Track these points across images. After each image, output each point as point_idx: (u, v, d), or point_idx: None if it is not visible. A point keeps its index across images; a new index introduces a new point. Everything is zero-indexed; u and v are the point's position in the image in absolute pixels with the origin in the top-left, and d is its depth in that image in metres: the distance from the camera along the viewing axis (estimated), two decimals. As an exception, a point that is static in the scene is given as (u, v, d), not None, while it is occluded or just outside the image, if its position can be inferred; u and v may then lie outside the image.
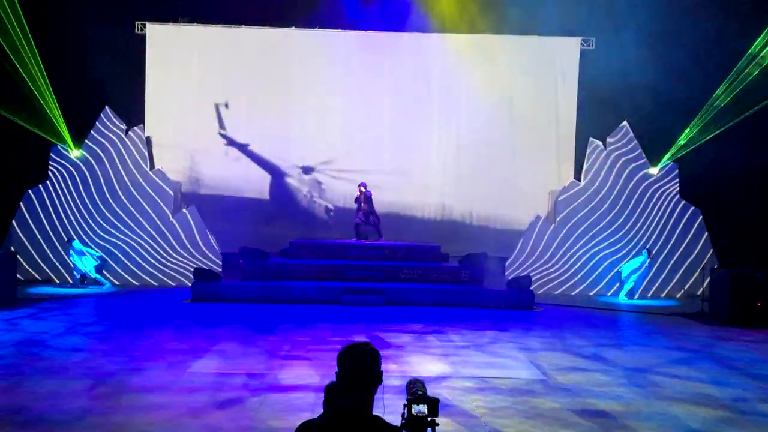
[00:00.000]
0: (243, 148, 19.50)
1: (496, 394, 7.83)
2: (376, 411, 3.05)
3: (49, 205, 17.35)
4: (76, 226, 17.11)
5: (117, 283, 16.85)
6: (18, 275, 14.78)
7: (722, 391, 8.27)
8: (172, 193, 17.90)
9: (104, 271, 16.70)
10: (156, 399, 7.34)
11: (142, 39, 19.29)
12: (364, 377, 3.00)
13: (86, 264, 16.25)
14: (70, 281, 16.34)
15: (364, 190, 17.34)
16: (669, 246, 17.59)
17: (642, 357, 10.11)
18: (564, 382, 8.48)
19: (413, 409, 3.00)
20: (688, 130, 17.09)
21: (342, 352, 3.06)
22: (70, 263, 16.34)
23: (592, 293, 17.15)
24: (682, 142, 17.28)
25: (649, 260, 16.43)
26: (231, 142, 19.43)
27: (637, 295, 16.41)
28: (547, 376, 8.75)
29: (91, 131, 17.77)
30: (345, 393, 3.02)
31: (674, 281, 17.43)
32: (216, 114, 19.30)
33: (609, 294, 16.91)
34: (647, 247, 16.85)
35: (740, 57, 15.88)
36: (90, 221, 17.11)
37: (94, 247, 16.70)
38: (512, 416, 7.06)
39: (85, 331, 11.16)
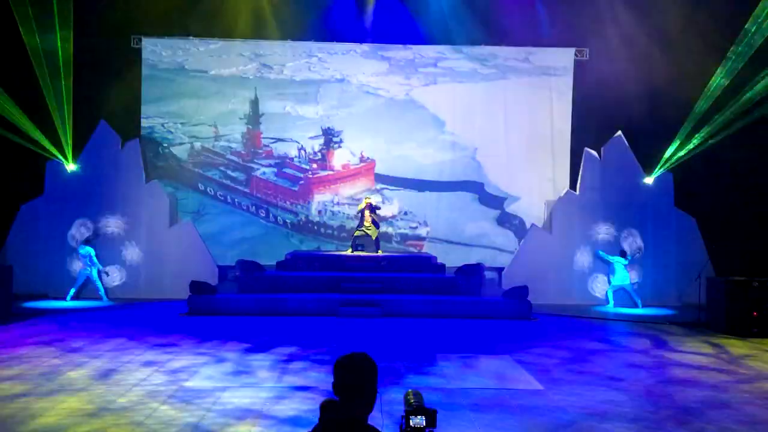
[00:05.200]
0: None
1: (492, 406, 7.81)
2: (375, 423, 3.03)
3: (44, 219, 17.31)
4: (72, 240, 17.04)
5: (113, 296, 16.81)
6: (13, 290, 14.69)
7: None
8: (168, 206, 17.87)
9: (103, 285, 16.75)
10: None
11: (137, 52, 19.37)
12: (360, 387, 3.00)
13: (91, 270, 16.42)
14: (68, 297, 16.30)
15: (371, 202, 17.36)
16: (665, 255, 17.62)
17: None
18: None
19: (411, 421, 2.99)
20: (680, 139, 17.15)
21: (338, 362, 3.06)
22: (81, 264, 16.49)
23: (588, 303, 17.15)
24: (677, 152, 17.32)
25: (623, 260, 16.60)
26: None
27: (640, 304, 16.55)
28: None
29: (87, 145, 17.75)
30: (341, 403, 3.02)
31: (671, 290, 17.45)
32: None
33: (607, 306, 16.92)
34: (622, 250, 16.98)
35: (734, 64, 15.96)
36: (85, 235, 17.02)
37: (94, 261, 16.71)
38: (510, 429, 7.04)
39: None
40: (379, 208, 17.77)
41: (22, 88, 16.11)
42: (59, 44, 15.62)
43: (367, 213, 17.23)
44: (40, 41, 15.62)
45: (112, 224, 17.32)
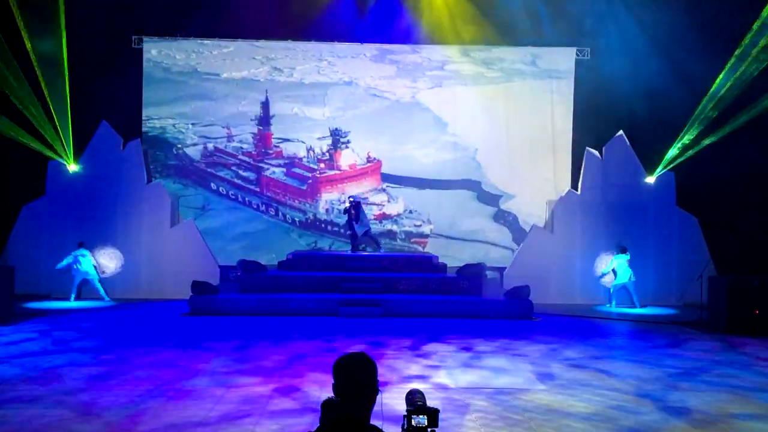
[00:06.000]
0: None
1: (494, 406, 7.80)
2: (376, 423, 3.03)
3: (46, 219, 17.33)
4: (74, 240, 17.02)
5: (114, 297, 16.82)
6: (15, 290, 14.69)
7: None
8: (169, 207, 17.89)
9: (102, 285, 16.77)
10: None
11: (139, 53, 19.37)
12: (360, 387, 2.99)
13: (89, 270, 16.38)
14: (71, 298, 16.31)
15: (352, 200, 17.38)
16: (666, 255, 17.60)
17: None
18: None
19: (413, 420, 2.98)
20: (682, 138, 17.13)
21: (337, 363, 3.05)
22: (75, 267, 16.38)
23: (590, 302, 17.13)
24: (679, 151, 17.31)
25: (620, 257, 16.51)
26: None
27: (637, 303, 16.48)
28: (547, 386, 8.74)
29: (88, 145, 17.77)
30: (342, 404, 3.01)
31: (672, 290, 17.43)
32: None
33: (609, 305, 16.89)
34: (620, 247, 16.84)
35: (737, 62, 15.93)
36: (87, 235, 17.03)
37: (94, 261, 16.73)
38: (510, 427, 7.04)
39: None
40: (358, 203, 17.57)
41: (20, 88, 16.09)
42: (25, 41, 15.49)
43: (352, 211, 17.22)
44: (33, 40, 15.58)
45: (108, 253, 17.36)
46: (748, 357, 10.96)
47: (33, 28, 15.51)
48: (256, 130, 19.89)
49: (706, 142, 16.77)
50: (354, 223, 17.24)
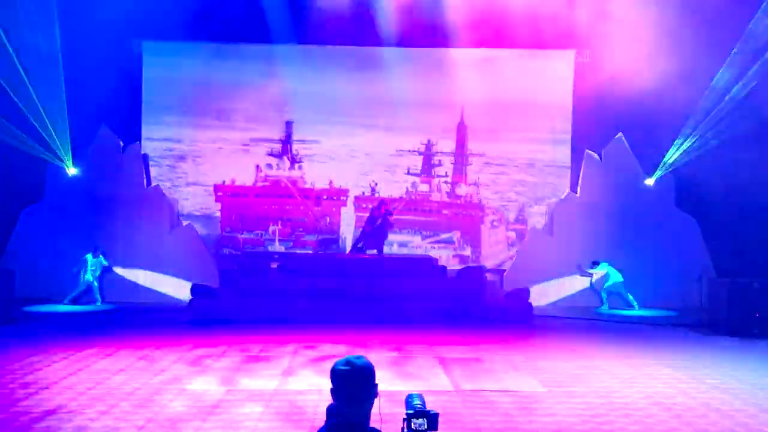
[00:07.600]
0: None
1: (495, 409, 7.81)
2: (375, 426, 3.04)
3: (46, 223, 17.33)
4: (73, 244, 17.02)
5: (113, 300, 16.79)
6: (16, 294, 14.68)
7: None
8: (168, 210, 17.89)
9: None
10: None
11: (139, 56, 19.36)
12: (359, 391, 2.99)
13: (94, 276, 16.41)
14: (65, 301, 16.29)
15: (388, 207, 17.19)
16: (666, 256, 17.60)
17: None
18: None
19: (412, 424, 2.98)
20: (681, 140, 17.15)
21: (335, 367, 3.05)
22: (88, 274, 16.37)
23: (590, 305, 17.13)
24: (678, 153, 17.33)
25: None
26: None
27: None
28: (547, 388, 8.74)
29: (88, 149, 17.78)
30: (341, 408, 3.01)
31: (671, 291, 17.42)
32: None
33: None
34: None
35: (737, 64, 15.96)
36: (87, 238, 17.02)
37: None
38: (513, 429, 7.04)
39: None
40: (391, 214, 17.57)
41: (20, 92, 16.11)
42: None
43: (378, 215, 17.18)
44: (29, 42, 15.60)
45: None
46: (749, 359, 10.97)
47: (31, 31, 15.54)
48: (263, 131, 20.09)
49: (706, 144, 16.78)
50: (372, 227, 17.12)
